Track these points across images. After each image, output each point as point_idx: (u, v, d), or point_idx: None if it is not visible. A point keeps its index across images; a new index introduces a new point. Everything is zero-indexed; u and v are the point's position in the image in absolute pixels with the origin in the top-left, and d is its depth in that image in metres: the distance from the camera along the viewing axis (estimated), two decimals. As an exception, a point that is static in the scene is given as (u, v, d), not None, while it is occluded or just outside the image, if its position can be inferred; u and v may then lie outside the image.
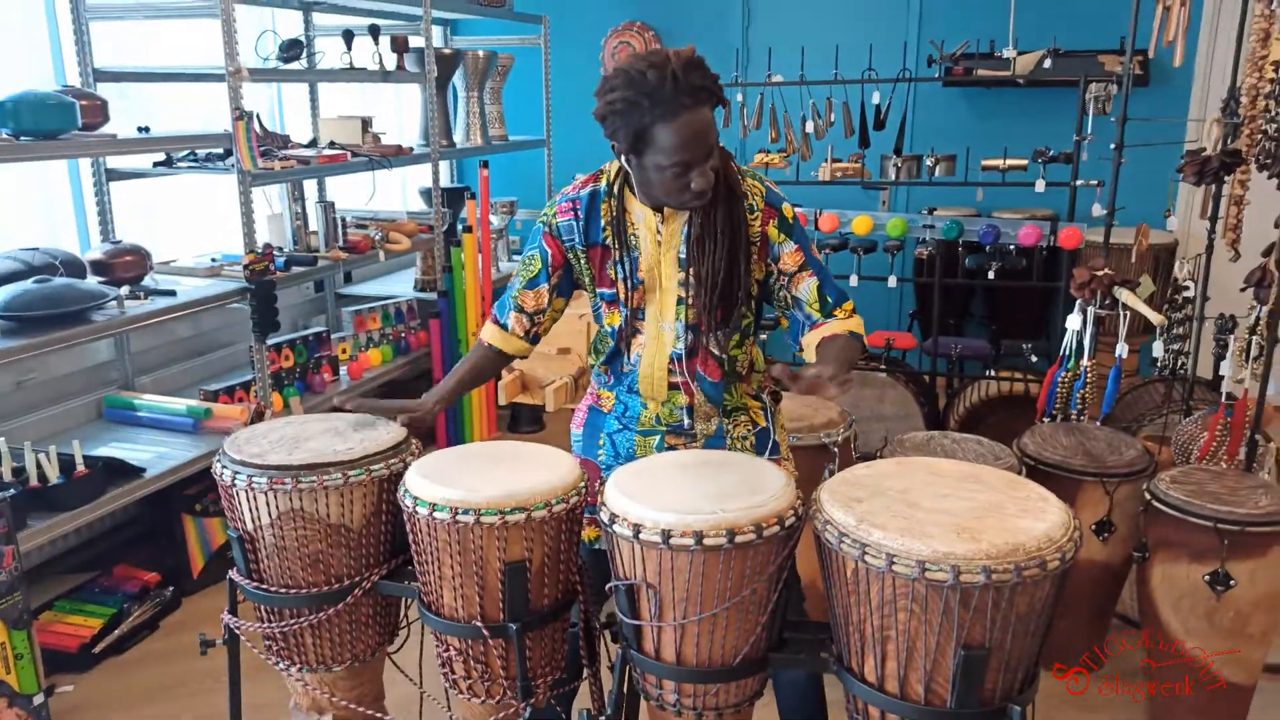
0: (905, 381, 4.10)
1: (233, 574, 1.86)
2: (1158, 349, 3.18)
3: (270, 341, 3.75)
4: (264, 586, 1.81)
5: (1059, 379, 3.25)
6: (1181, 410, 3.56)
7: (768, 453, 2.17)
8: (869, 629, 1.49)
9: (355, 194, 5.12)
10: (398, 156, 4.34)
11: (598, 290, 2.10)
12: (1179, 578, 2.57)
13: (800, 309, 2.01)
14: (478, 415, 4.78)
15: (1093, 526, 2.84)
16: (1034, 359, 3.83)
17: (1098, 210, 3.56)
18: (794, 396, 2.79)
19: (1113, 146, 3.16)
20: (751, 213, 1.97)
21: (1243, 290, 2.95)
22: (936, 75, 4.22)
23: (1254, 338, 2.86)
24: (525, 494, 1.62)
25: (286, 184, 4.24)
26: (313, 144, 4.48)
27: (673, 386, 2.10)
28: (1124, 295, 3.09)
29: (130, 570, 3.40)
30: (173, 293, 3.44)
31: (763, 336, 3.70)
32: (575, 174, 5.77)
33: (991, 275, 3.75)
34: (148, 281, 3.50)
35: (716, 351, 2.03)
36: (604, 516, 1.58)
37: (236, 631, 1.88)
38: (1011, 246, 3.59)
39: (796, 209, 2.05)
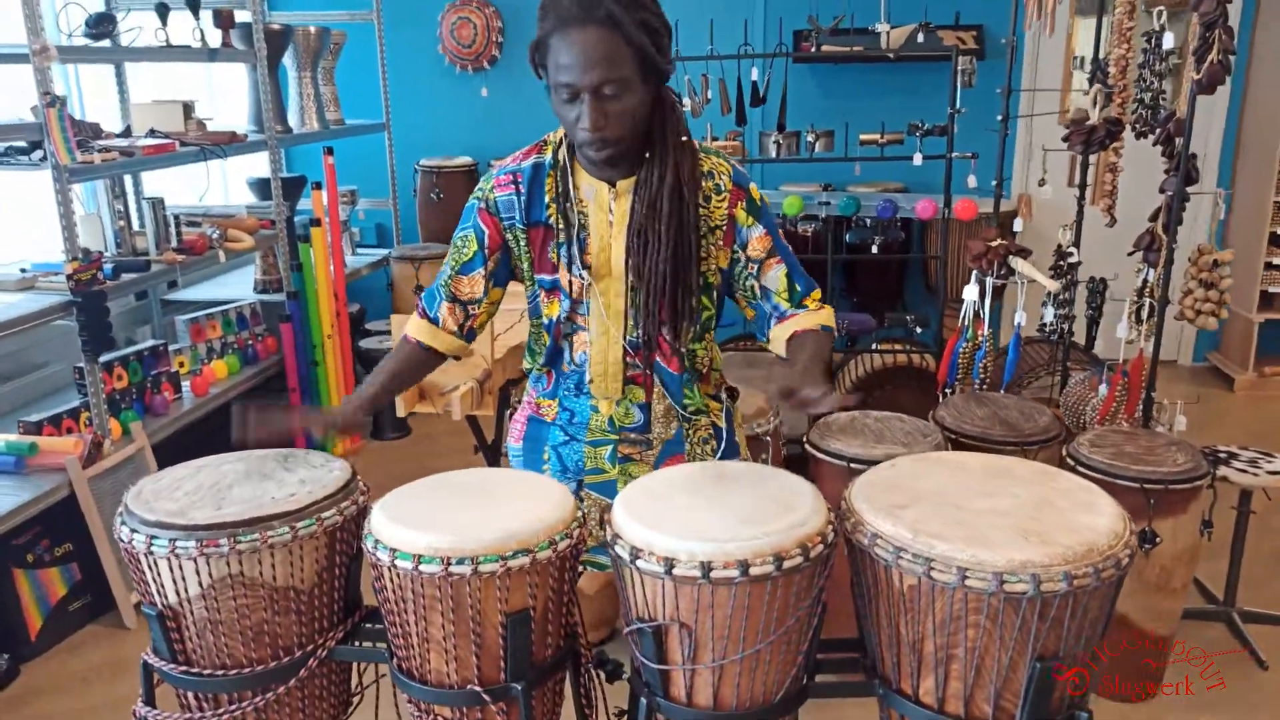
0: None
1: (147, 656, 1.52)
2: (1048, 314, 3.25)
3: (100, 360, 3.26)
4: (193, 670, 1.48)
5: (959, 349, 3.28)
6: (1058, 372, 3.68)
7: (724, 454, 2.02)
8: (929, 648, 1.36)
9: (178, 189, 4.59)
10: (231, 144, 3.89)
11: (536, 277, 1.87)
12: (1107, 540, 2.62)
13: (769, 299, 1.86)
14: (338, 425, 4.39)
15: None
16: (918, 330, 3.87)
17: (972, 181, 3.61)
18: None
19: (999, 118, 3.19)
20: (718, 193, 1.80)
21: (1130, 254, 3.04)
22: (813, 50, 4.18)
23: (1145, 300, 2.95)
24: (526, 533, 1.39)
25: (105, 180, 3.71)
26: (127, 133, 3.95)
27: (629, 380, 1.91)
28: (1019, 264, 3.13)
29: (-48, 642, 2.89)
30: (-18, 311, 2.92)
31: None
32: (419, 159, 5.43)
33: (875, 250, 3.75)
34: (-53, 300, 2.96)
35: (670, 341, 1.86)
36: (621, 552, 1.38)
37: (156, 726, 1.55)
38: (904, 219, 3.59)
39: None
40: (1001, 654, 1.31)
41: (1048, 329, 3.34)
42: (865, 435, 2.77)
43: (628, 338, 1.85)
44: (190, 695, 1.51)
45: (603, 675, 1.63)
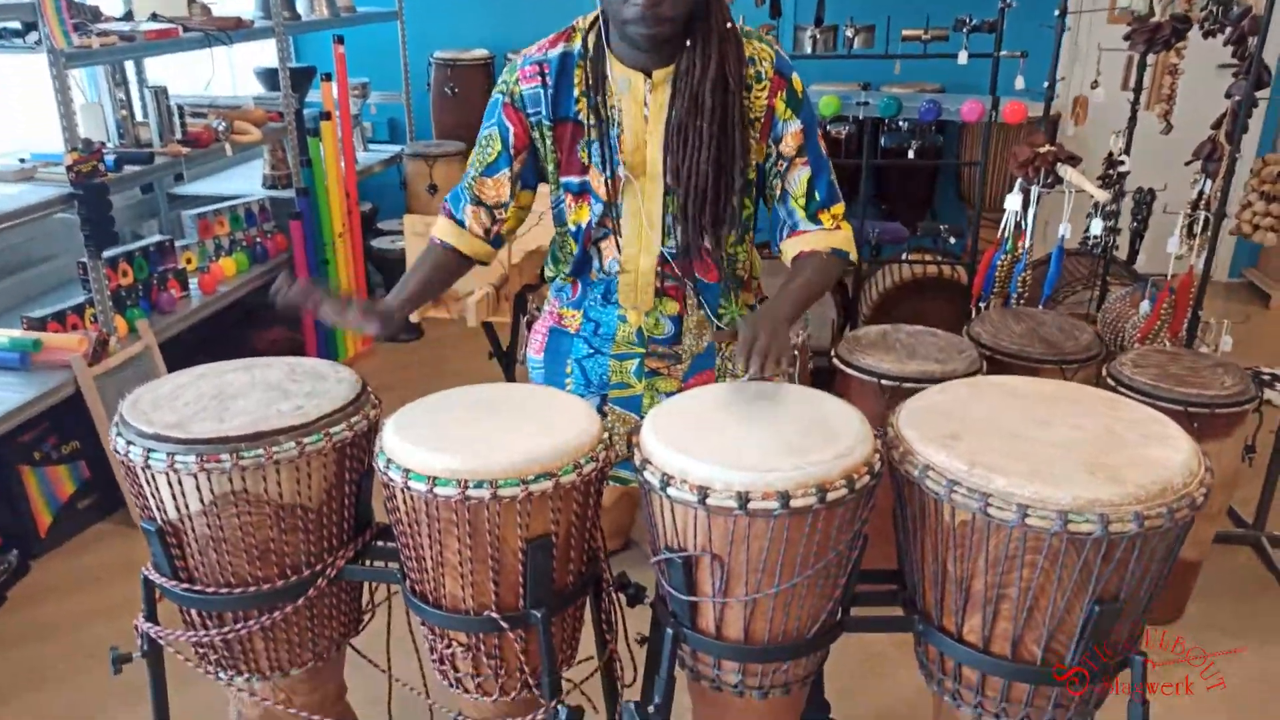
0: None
1: (148, 571, 1.45)
2: (1096, 226, 3.08)
3: (104, 255, 3.15)
4: (196, 588, 1.41)
5: (998, 261, 3.13)
6: (1096, 287, 3.53)
7: None
8: (978, 586, 1.27)
9: (182, 78, 4.40)
10: (237, 30, 3.69)
11: (562, 179, 1.74)
12: (1145, 464, 2.52)
13: (785, 203, 1.72)
14: (350, 326, 4.29)
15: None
16: (952, 240, 3.70)
17: (1020, 83, 3.40)
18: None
19: (1056, 13, 2.98)
20: (759, 81, 1.64)
21: (1188, 164, 2.86)
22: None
23: (1201, 213, 2.79)
24: (549, 455, 1.29)
25: (105, 67, 3.54)
26: (128, 17, 3.75)
27: (661, 293, 1.79)
28: (1068, 173, 2.96)
29: (-39, 537, 2.86)
30: (-21, 202, 2.80)
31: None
32: (434, 51, 5.20)
33: (912, 154, 3.56)
34: (-59, 190, 2.84)
35: (712, 249, 1.73)
36: (651, 478, 1.28)
37: (160, 641, 1.48)
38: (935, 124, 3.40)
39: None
40: (1058, 595, 1.22)
41: (1091, 242, 3.18)
42: (897, 351, 2.65)
43: (664, 246, 1.73)
44: (194, 612, 1.44)
45: (623, 599, 1.56)
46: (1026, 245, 3.05)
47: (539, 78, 1.67)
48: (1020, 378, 1.50)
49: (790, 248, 1.73)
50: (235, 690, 1.53)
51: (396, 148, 5.08)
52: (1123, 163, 3.10)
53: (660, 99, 1.64)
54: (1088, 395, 1.43)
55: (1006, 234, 3.09)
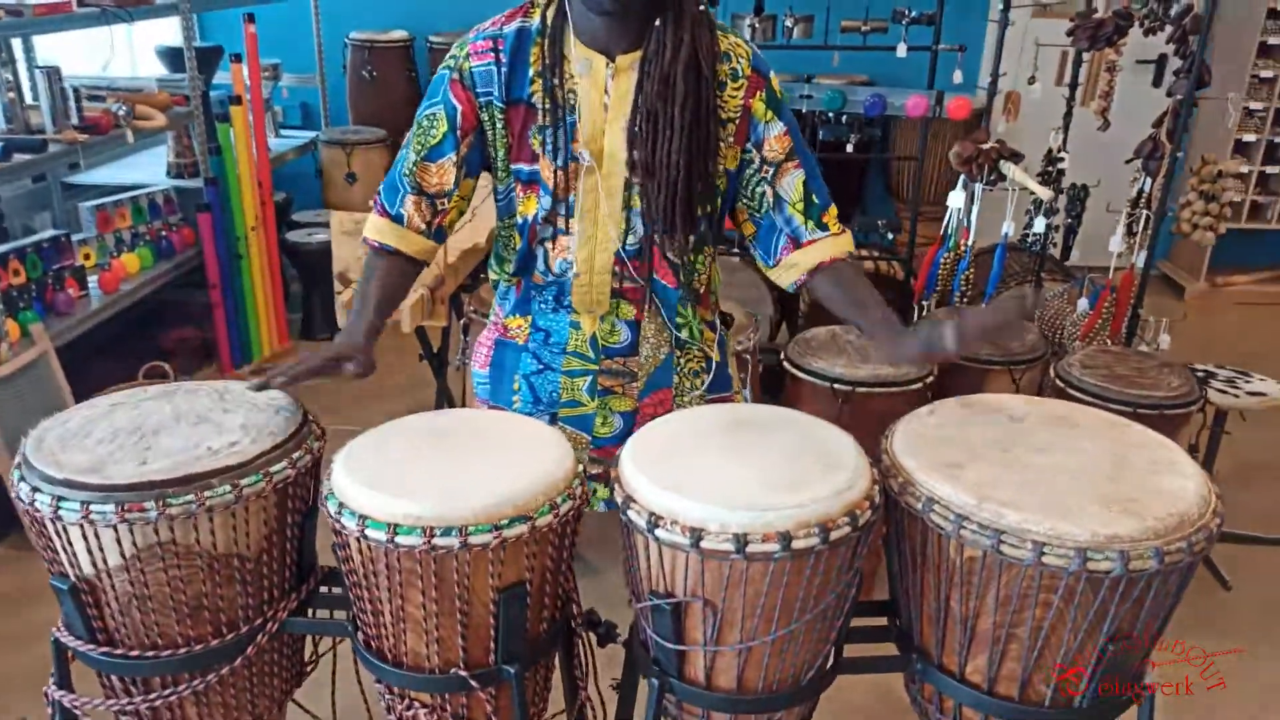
0: (750, 262, 3.84)
1: (59, 633, 1.27)
2: (1039, 223, 3.07)
3: (-8, 254, 2.89)
4: (117, 651, 1.24)
5: (940, 260, 3.10)
6: (1029, 283, 3.54)
7: (714, 387, 1.81)
8: (986, 625, 1.19)
9: (77, 58, 4.09)
10: (138, 7, 3.42)
11: (512, 167, 1.59)
12: (1095, 465, 2.51)
13: (781, 211, 1.62)
14: (265, 321, 4.06)
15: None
16: (889, 236, 3.67)
17: (958, 77, 3.37)
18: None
19: (1000, 7, 2.94)
20: (735, 79, 1.53)
21: (1129, 162, 2.87)
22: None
23: (1141, 211, 2.79)
24: (524, 495, 1.16)
25: (-13, 43, 3.24)
26: (12, -10, 3.44)
27: (618, 294, 1.66)
28: (1012, 170, 2.94)
29: None
30: None
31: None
32: (350, 32, 4.94)
33: (850, 149, 3.51)
34: None
35: (672, 257, 1.62)
36: (636, 519, 1.16)
37: (74, 711, 1.31)
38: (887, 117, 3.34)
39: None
40: (1071, 635, 1.15)
41: (1031, 239, 3.17)
42: (849, 354, 2.58)
43: (624, 244, 1.60)
44: (115, 678, 1.27)
45: (593, 639, 1.44)
46: (970, 243, 3.02)
47: (492, 54, 1.52)
48: (1010, 396, 1.43)
49: (805, 259, 1.60)
50: (163, 757, 1.37)
51: (310, 134, 4.83)
52: (1062, 159, 3.09)
53: (623, 86, 1.51)
54: (1085, 416, 1.36)
55: (950, 231, 3.06)
